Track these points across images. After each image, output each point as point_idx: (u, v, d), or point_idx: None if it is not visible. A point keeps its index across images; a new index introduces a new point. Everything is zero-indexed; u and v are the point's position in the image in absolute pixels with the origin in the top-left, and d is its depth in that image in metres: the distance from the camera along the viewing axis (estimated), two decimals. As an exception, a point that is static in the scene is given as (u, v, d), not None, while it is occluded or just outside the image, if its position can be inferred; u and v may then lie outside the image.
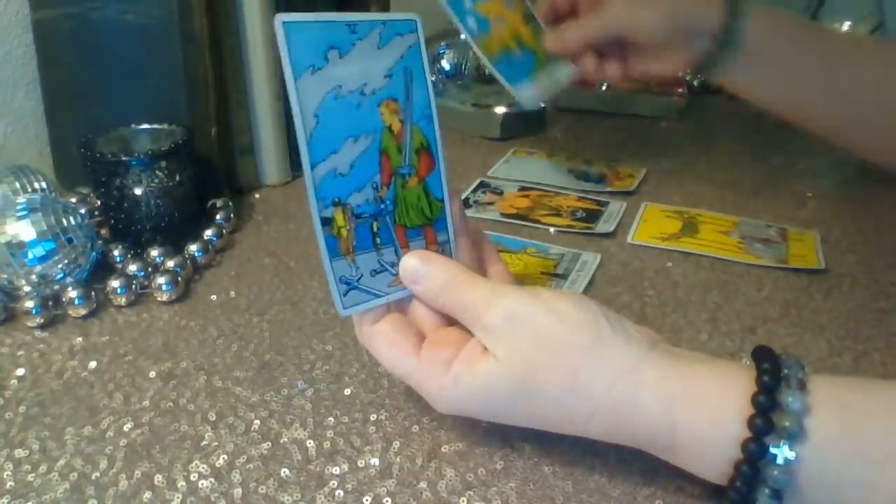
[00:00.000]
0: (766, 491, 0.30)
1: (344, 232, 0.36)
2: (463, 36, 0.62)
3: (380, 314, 0.38)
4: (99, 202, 0.58)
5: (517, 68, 0.62)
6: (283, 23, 0.33)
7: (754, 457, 0.30)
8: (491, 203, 0.67)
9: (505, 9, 0.63)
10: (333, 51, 0.35)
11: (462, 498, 0.35)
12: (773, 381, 0.31)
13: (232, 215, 0.61)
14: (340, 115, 0.35)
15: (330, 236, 0.36)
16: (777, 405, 0.30)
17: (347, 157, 0.36)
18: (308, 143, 0.35)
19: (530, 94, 0.63)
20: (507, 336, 0.33)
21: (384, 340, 0.37)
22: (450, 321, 0.39)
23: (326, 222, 0.36)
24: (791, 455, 0.30)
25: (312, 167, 0.35)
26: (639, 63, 0.61)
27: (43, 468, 0.37)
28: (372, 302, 0.37)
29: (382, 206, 0.37)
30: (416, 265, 0.37)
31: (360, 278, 0.37)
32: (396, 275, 0.38)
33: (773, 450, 0.30)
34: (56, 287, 0.49)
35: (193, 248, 0.55)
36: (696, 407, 0.32)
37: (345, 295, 0.36)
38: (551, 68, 0.64)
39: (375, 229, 0.37)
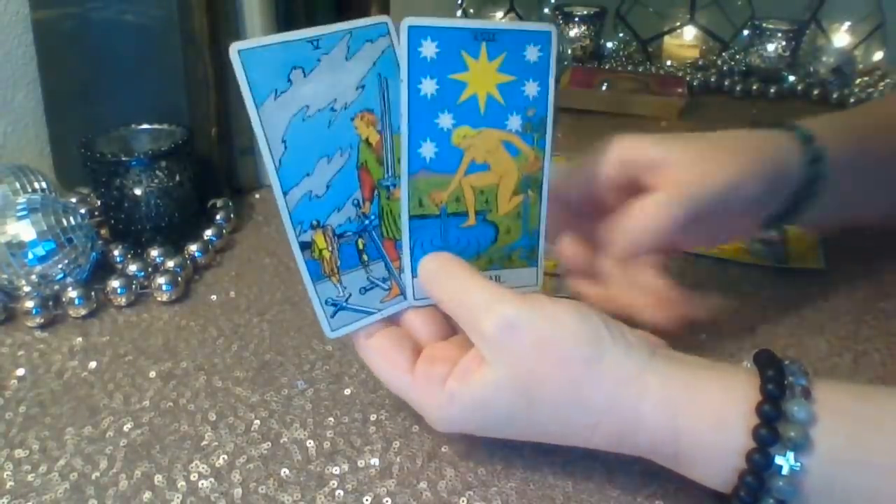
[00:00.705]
0: (771, 501, 0.30)
1: (326, 254, 0.35)
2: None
3: (374, 327, 0.37)
4: (99, 202, 0.58)
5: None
6: (239, 51, 0.32)
7: (759, 467, 0.30)
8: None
9: (503, 152, 0.38)
10: (297, 70, 0.33)
11: (462, 498, 0.35)
12: (777, 390, 0.30)
13: (232, 215, 0.61)
14: (310, 137, 0.34)
15: (311, 260, 0.35)
16: (782, 414, 0.30)
17: (322, 178, 0.35)
18: (277, 170, 0.34)
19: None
20: (506, 346, 0.32)
21: (379, 357, 0.37)
22: (446, 332, 0.38)
23: (306, 246, 0.35)
24: (796, 465, 0.30)
25: (285, 193, 0.34)
26: (690, 241, 0.44)
27: (43, 468, 0.37)
28: (363, 320, 0.37)
29: (367, 221, 0.36)
30: (428, 262, 0.37)
31: (348, 298, 0.36)
32: (389, 290, 0.37)
33: (778, 460, 0.30)
34: (56, 287, 0.49)
35: (193, 248, 0.55)
36: (699, 416, 0.31)
37: (332, 317, 0.36)
38: (509, 273, 0.39)
39: (361, 246, 0.36)
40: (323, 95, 0.34)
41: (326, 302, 0.36)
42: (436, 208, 0.37)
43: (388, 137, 0.36)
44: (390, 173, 0.36)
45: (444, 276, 0.36)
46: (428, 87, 0.35)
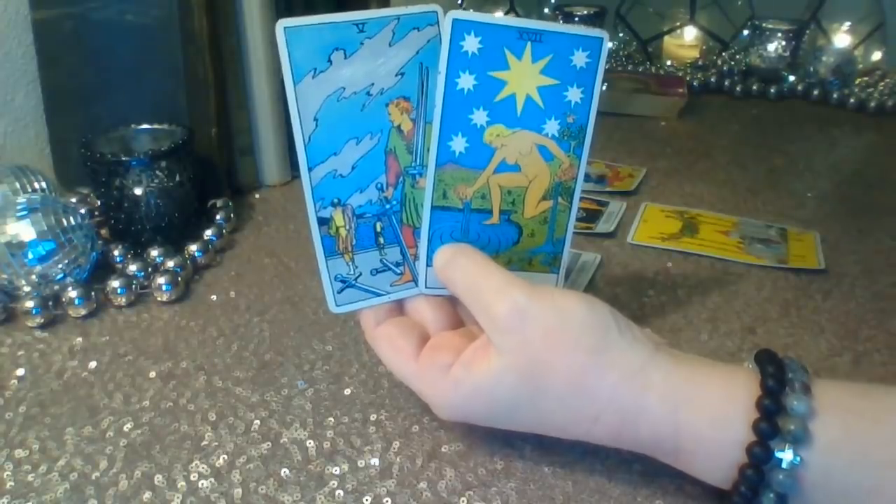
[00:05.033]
0: (771, 495, 0.30)
1: (343, 231, 0.36)
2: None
3: (383, 316, 0.38)
4: (99, 202, 0.58)
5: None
6: (285, 28, 0.33)
7: (759, 460, 0.30)
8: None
9: (536, 156, 0.37)
10: (338, 52, 0.34)
11: (462, 498, 0.35)
12: (777, 385, 0.31)
13: (232, 215, 0.61)
14: (342, 117, 0.35)
15: (327, 236, 0.36)
16: (782, 409, 0.30)
17: (349, 159, 0.36)
18: (306, 145, 0.34)
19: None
20: (515, 332, 0.33)
21: (387, 344, 0.37)
22: (454, 323, 0.38)
23: (323, 222, 0.36)
24: (796, 459, 0.30)
25: (310, 169, 0.35)
26: None
27: (43, 468, 0.37)
28: (370, 300, 0.37)
29: (388, 205, 0.37)
30: (446, 249, 0.37)
31: (358, 277, 0.37)
32: (401, 275, 0.38)
33: (778, 454, 0.30)
34: (56, 287, 0.49)
35: (193, 248, 0.55)
36: (701, 410, 0.32)
37: (339, 292, 0.36)
38: (528, 277, 0.38)
39: (379, 229, 0.37)
40: (361, 79, 0.35)
41: (335, 278, 0.36)
42: (459, 202, 0.37)
43: (420, 126, 0.36)
44: (418, 162, 0.37)
45: (460, 259, 0.36)
46: (466, 81, 0.35)
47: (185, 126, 0.59)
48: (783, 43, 1.03)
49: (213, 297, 0.52)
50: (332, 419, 0.40)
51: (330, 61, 0.34)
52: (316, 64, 0.34)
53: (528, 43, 0.35)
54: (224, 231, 0.59)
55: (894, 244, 0.60)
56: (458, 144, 0.36)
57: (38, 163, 0.66)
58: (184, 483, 0.36)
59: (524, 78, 0.36)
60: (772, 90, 0.99)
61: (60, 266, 0.49)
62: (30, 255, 0.48)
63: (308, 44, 0.33)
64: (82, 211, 0.56)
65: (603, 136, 0.86)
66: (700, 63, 1.10)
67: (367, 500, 0.35)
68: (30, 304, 0.47)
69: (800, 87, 1.00)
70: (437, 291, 0.38)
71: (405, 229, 0.37)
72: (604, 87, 0.95)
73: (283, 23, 0.33)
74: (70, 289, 0.49)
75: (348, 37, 0.34)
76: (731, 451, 0.31)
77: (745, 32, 1.10)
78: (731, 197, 0.69)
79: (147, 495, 0.35)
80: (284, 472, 0.37)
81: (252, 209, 0.66)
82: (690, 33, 1.13)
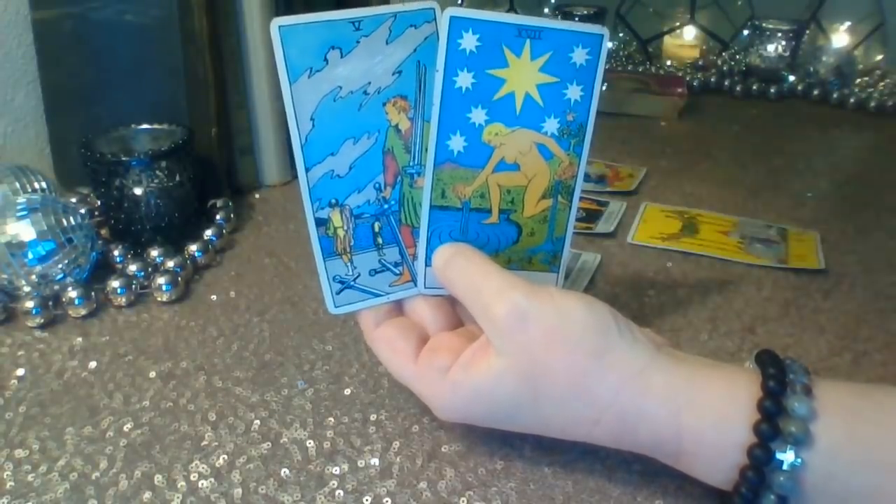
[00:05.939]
0: (772, 497, 0.30)
1: (341, 232, 0.36)
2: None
3: (382, 317, 0.38)
4: (99, 202, 0.58)
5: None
6: (280, 27, 0.32)
7: (760, 462, 0.30)
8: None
9: (535, 155, 0.37)
10: (334, 51, 0.34)
11: (462, 498, 0.35)
12: (778, 386, 0.31)
13: (232, 215, 0.61)
14: (339, 117, 0.35)
15: (324, 237, 0.36)
16: (783, 410, 0.30)
17: (346, 159, 0.35)
18: (302, 146, 0.34)
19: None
20: (515, 334, 0.33)
21: (386, 346, 0.37)
22: (453, 323, 0.38)
23: (321, 223, 0.36)
24: (797, 461, 0.30)
25: (307, 170, 0.35)
26: None
27: (43, 468, 0.37)
28: (369, 301, 0.37)
29: (386, 205, 0.37)
30: (445, 248, 0.37)
31: (356, 277, 0.37)
32: (400, 275, 0.38)
33: (779, 455, 0.30)
34: (56, 287, 0.49)
35: (193, 248, 0.55)
36: (702, 413, 0.31)
37: (338, 293, 0.36)
38: (528, 276, 0.37)
39: (377, 229, 0.37)
40: (357, 78, 0.34)
41: (334, 279, 0.36)
42: (458, 201, 0.37)
43: (418, 125, 0.36)
44: (416, 161, 0.37)
45: (459, 259, 0.36)
46: (464, 80, 0.35)
47: (185, 126, 0.59)
48: (783, 43, 1.03)
49: (213, 297, 0.52)
50: (332, 419, 0.40)
51: (326, 60, 0.34)
52: (312, 63, 0.33)
53: (527, 40, 0.35)
54: (224, 231, 0.59)
55: (894, 244, 0.60)
56: (457, 143, 0.36)
57: (38, 163, 0.66)
58: (184, 483, 0.36)
59: (523, 76, 0.35)
60: (772, 90, 0.99)
61: (60, 266, 0.49)
62: (30, 255, 0.48)
63: (303, 42, 0.33)
64: (82, 211, 0.56)
65: (603, 136, 0.86)
66: (700, 63, 1.10)
67: (367, 500, 0.35)
68: (30, 304, 0.47)
69: (800, 87, 1.00)
70: (436, 291, 0.38)
71: (404, 229, 0.37)
72: (604, 87, 0.95)
73: (277, 21, 0.32)
74: (70, 289, 0.49)
75: (344, 35, 0.34)
76: (732, 453, 0.31)
77: (745, 32, 1.10)
78: (731, 197, 0.69)
79: (147, 495, 0.35)
80: (284, 472, 0.37)
81: (252, 209, 0.66)
82: (690, 33, 1.13)
